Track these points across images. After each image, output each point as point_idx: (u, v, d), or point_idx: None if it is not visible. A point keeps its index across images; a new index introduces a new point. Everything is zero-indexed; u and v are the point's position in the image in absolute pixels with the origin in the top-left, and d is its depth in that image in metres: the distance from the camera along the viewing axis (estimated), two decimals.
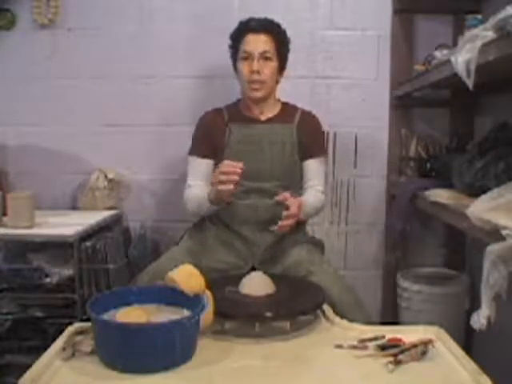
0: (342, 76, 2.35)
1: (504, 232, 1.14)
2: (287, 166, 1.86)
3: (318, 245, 1.95)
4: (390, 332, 1.36)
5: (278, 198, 1.68)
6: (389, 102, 2.35)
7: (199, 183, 1.84)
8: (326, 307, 1.52)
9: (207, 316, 1.29)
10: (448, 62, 1.43)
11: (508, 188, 1.29)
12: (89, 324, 1.29)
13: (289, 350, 1.30)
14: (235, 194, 1.74)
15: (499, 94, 2.00)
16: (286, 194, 1.68)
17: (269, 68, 1.81)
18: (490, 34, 1.20)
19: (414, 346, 1.24)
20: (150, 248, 2.28)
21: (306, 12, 2.33)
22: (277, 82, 1.90)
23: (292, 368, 1.22)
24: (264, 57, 1.80)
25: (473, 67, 1.25)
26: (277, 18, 1.87)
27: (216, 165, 1.80)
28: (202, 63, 2.34)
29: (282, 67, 1.89)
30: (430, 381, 1.17)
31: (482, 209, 1.27)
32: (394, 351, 1.23)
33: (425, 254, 2.40)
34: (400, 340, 1.28)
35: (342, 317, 1.50)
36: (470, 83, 1.27)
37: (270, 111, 1.90)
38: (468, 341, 2.12)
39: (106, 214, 2.21)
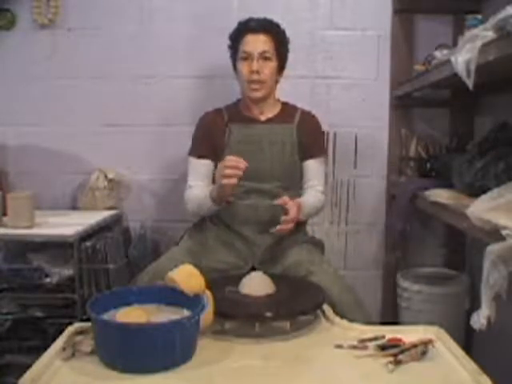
0: (341, 76, 2.35)
1: (504, 232, 1.14)
2: (287, 166, 1.86)
3: (318, 245, 1.95)
4: (390, 332, 1.35)
5: (277, 202, 1.69)
6: (389, 102, 2.35)
7: (199, 183, 1.84)
8: (326, 307, 1.52)
9: (207, 316, 1.29)
10: (448, 62, 1.43)
11: (508, 188, 1.29)
12: (89, 324, 1.29)
13: (289, 350, 1.30)
14: (235, 194, 1.75)
15: (499, 94, 2.00)
16: (285, 198, 1.69)
17: (268, 68, 1.81)
18: (490, 34, 1.20)
19: (414, 345, 1.24)
20: (149, 248, 2.28)
21: (306, 12, 2.33)
22: (276, 81, 1.90)
23: (292, 368, 1.22)
24: (263, 57, 1.80)
25: (473, 67, 1.25)
26: (277, 18, 1.88)
27: (216, 165, 1.80)
28: (202, 63, 2.34)
29: (281, 67, 1.89)
30: (430, 381, 1.16)
31: (482, 209, 1.27)
32: (394, 351, 1.23)
33: (425, 254, 2.40)
34: (400, 340, 1.28)
35: (342, 317, 1.50)
36: (470, 83, 1.27)
37: (270, 111, 1.90)
38: (468, 341, 2.12)
39: (106, 213, 2.21)
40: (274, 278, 1.57)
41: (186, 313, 1.28)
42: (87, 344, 1.24)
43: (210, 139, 1.86)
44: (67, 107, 2.36)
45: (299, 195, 1.86)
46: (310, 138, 1.89)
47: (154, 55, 2.34)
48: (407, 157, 2.26)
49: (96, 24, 2.33)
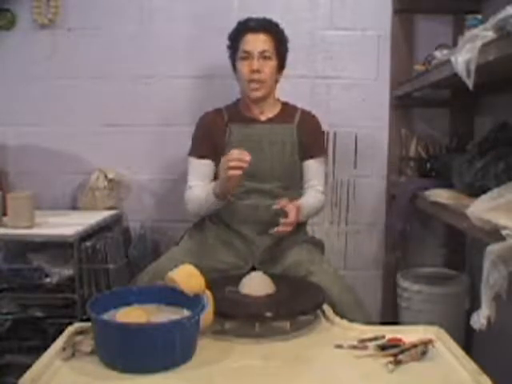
0: (341, 76, 2.35)
1: (504, 232, 1.14)
2: (287, 166, 1.86)
3: (318, 245, 1.95)
4: (390, 332, 1.36)
5: (276, 206, 1.69)
6: (389, 102, 2.35)
7: (200, 183, 1.83)
8: (326, 307, 1.52)
9: (207, 316, 1.29)
10: (448, 62, 1.43)
11: (508, 188, 1.29)
12: (89, 324, 1.29)
13: (289, 350, 1.30)
14: (235, 194, 1.75)
15: (499, 94, 2.00)
16: (284, 202, 1.69)
17: (268, 67, 1.81)
18: (490, 34, 1.20)
19: (414, 345, 1.24)
20: (149, 248, 2.28)
21: (306, 12, 2.33)
22: (276, 81, 1.90)
23: (292, 368, 1.22)
24: (263, 56, 1.80)
25: (473, 67, 1.25)
26: (277, 18, 1.88)
27: (216, 165, 1.80)
28: (202, 63, 2.34)
29: (281, 66, 1.89)
30: (430, 381, 1.17)
31: (482, 209, 1.27)
32: (394, 351, 1.24)
33: (425, 254, 2.40)
34: (400, 340, 1.29)
35: (342, 317, 1.50)
36: (470, 83, 1.27)
37: (270, 111, 1.90)
38: (468, 341, 2.12)
39: (106, 213, 2.21)
40: (274, 278, 1.57)
41: (186, 313, 1.28)
42: (87, 344, 1.24)
43: (210, 139, 1.86)
44: (67, 107, 2.36)
45: (299, 195, 1.86)
46: (310, 138, 1.89)
47: (154, 55, 2.34)
48: (407, 157, 2.25)
49: (96, 24, 2.32)
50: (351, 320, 1.48)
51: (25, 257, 1.93)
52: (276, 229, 1.67)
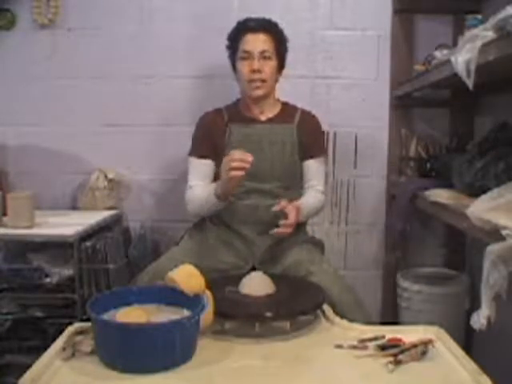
0: (341, 76, 2.35)
1: (504, 232, 1.14)
2: (287, 166, 1.86)
3: (318, 245, 1.95)
4: (390, 332, 1.36)
5: (275, 208, 1.69)
6: (389, 102, 2.35)
7: (200, 183, 1.83)
8: (326, 307, 1.52)
9: (207, 316, 1.29)
10: (448, 62, 1.43)
11: (508, 188, 1.29)
12: (89, 324, 1.29)
13: (289, 350, 1.30)
14: (235, 194, 1.75)
15: (499, 94, 2.00)
16: (284, 203, 1.69)
17: (269, 67, 1.81)
18: (490, 34, 1.20)
19: (414, 346, 1.24)
20: (149, 248, 2.28)
21: (306, 12, 2.33)
22: (276, 81, 1.90)
23: (292, 368, 1.22)
24: (263, 56, 1.80)
25: (473, 67, 1.25)
26: (276, 18, 1.88)
27: (216, 165, 1.80)
28: (202, 63, 2.34)
29: (281, 66, 1.89)
30: (430, 381, 1.17)
31: (482, 209, 1.27)
32: (394, 351, 1.23)
33: (425, 254, 2.40)
34: (400, 340, 1.29)
35: (342, 317, 1.50)
36: (470, 83, 1.27)
37: (270, 111, 1.90)
38: (468, 341, 2.12)
39: (106, 213, 2.21)
40: (274, 278, 1.57)
41: (186, 313, 1.28)
42: (87, 344, 1.24)
43: (210, 139, 1.86)
44: (67, 107, 2.36)
45: (299, 195, 1.86)
46: (310, 138, 1.89)
47: (154, 55, 2.34)
48: (407, 157, 2.25)
49: (96, 24, 2.32)
50: (351, 320, 1.48)
51: (25, 257, 1.93)
52: (276, 230, 1.68)
